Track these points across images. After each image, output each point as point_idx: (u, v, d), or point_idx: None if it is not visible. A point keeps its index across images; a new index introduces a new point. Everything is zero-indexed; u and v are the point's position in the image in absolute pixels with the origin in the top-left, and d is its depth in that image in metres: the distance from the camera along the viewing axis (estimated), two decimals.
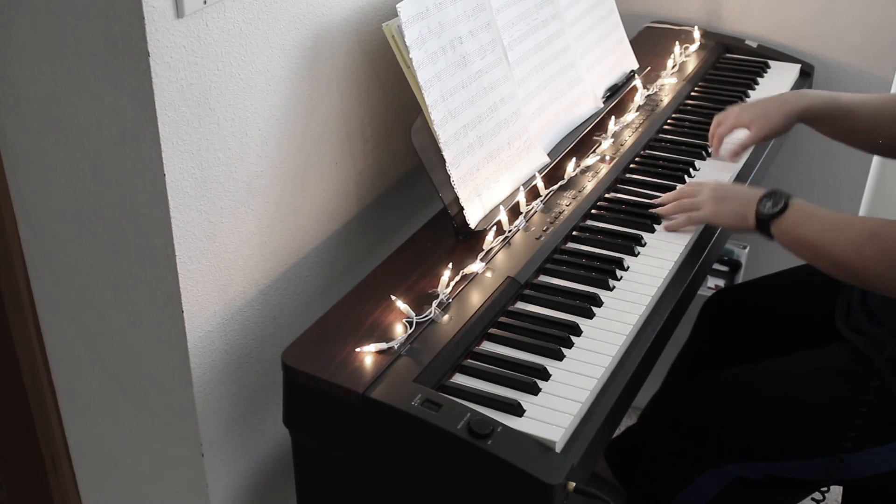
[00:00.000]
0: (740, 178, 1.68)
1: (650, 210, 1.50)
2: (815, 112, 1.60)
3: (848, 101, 1.60)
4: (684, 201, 1.47)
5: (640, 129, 1.76)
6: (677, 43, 2.04)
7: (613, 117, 1.75)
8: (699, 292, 1.66)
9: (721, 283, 2.12)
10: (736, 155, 1.65)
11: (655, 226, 1.50)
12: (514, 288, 1.33)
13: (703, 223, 1.47)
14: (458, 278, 1.32)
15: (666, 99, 1.87)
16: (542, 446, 1.08)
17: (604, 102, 1.78)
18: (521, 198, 1.48)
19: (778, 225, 1.35)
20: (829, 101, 1.60)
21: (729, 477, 1.46)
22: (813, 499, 1.53)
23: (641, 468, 1.67)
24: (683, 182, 1.62)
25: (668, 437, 1.56)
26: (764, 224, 1.36)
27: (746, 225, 1.39)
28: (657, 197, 1.55)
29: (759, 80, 1.99)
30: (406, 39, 1.34)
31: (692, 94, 1.92)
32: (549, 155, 1.60)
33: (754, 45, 2.09)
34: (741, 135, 1.65)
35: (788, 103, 1.62)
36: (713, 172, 1.65)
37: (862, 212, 2.15)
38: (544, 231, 1.45)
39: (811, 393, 1.42)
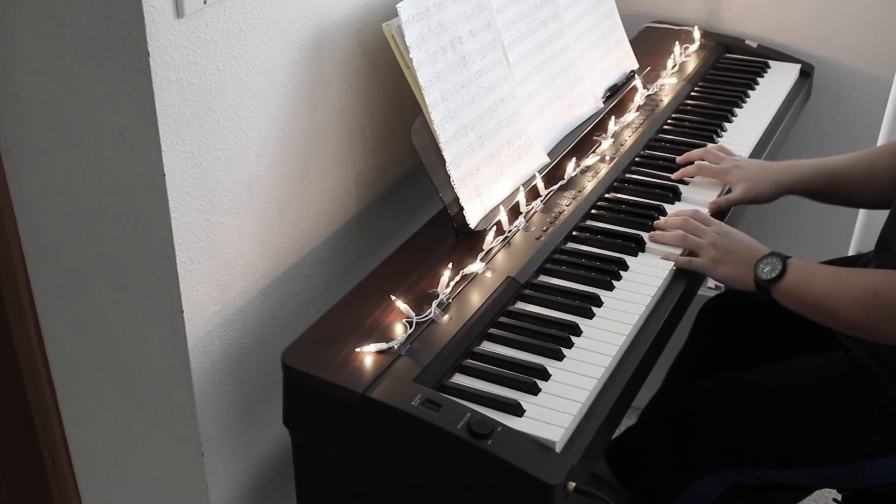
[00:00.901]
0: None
1: (650, 235, 1.45)
2: (803, 185, 1.57)
3: (835, 168, 1.56)
4: (689, 238, 1.43)
5: (640, 129, 1.76)
6: (677, 43, 2.04)
7: (613, 117, 1.75)
8: (699, 292, 1.65)
9: (721, 285, 2.12)
10: (719, 207, 1.56)
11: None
12: (514, 288, 1.33)
13: (698, 270, 1.42)
14: (458, 278, 1.32)
15: (666, 99, 1.87)
16: (542, 446, 1.08)
17: (604, 102, 1.78)
18: (521, 198, 1.48)
19: (778, 290, 1.34)
20: (818, 172, 1.56)
21: (728, 482, 1.46)
22: (834, 500, 1.52)
23: (641, 472, 1.67)
24: (684, 182, 1.61)
25: (666, 442, 1.56)
26: (763, 289, 1.36)
27: (746, 286, 1.39)
28: (657, 195, 1.55)
29: (759, 80, 1.99)
30: (406, 39, 1.34)
31: (692, 94, 1.92)
32: (549, 155, 1.60)
33: (754, 45, 2.09)
34: (725, 194, 1.59)
35: (778, 174, 1.57)
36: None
37: (861, 215, 2.15)
38: (544, 231, 1.45)
39: (812, 402, 1.41)
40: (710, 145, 1.66)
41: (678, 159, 1.65)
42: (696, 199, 1.58)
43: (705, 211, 1.52)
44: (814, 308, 1.33)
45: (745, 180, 1.56)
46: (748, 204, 1.60)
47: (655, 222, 1.49)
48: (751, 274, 1.37)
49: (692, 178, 1.63)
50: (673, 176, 1.62)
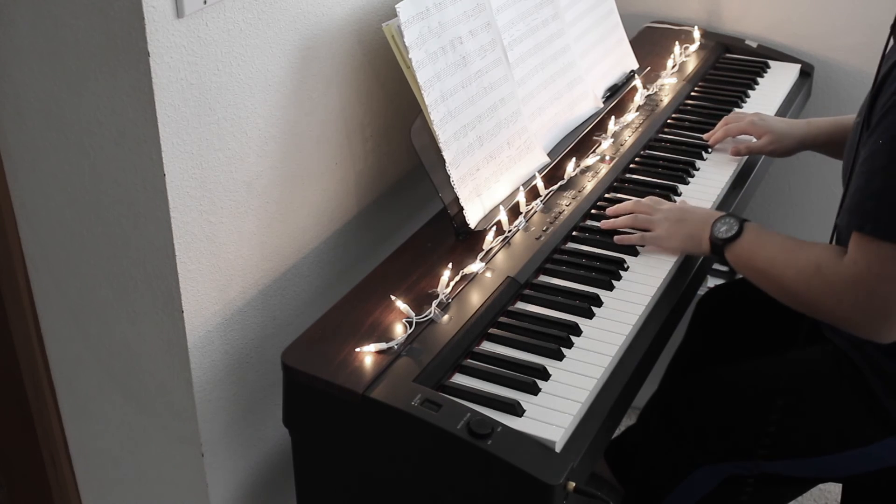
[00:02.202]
0: (741, 176, 1.68)
1: (601, 222, 1.47)
2: (826, 139, 1.65)
3: (852, 125, 1.60)
4: (640, 217, 1.44)
5: (640, 129, 1.76)
6: (677, 43, 2.04)
7: (613, 117, 1.75)
8: (698, 292, 1.66)
9: (721, 282, 2.12)
10: (739, 154, 1.68)
11: None
12: (514, 288, 1.33)
13: (655, 245, 1.43)
14: (457, 278, 1.32)
15: (666, 99, 1.87)
16: (542, 446, 1.08)
17: (604, 102, 1.78)
18: (521, 198, 1.49)
19: (731, 250, 1.35)
20: (838, 126, 1.64)
21: (723, 474, 1.47)
22: None
23: (637, 465, 1.68)
24: (684, 182, 1.62)
25: (661, 434, 1.56)
26: (717, 248, 1.36)
27: (700, 249, 1.39)
28: (657, 195, 1.55)
29: (759, 80, 1.99)
30: (406, 40, 1.34)
31: (692, 94, 1.92)
32: (549, 155, 1.60)
33: (754, 45, 2.09)
34: (750, 140, 1.69)
35: (799, 129, 1.67)
36: (716, 167, 1.66)
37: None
38: (544, 231, 1.45)
39: (802, 392, 1.42)
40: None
41: (709, 139, 1.72)
42: (695, 197, 1.58)
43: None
44: (762, 274, 1.33)
45: (769, 132, 1.66)
46: (770, 155, 1.69)
47: (607, 210, 1.49)
48: (706, 234, 1.37)
49: (697, 170, 1.63)
50: (705, 136, 1.72)
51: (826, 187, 2.13)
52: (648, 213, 1.44)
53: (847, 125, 1.61)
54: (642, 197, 1.56)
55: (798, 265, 1.28)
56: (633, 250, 1.43)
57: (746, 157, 1.72)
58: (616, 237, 1.44)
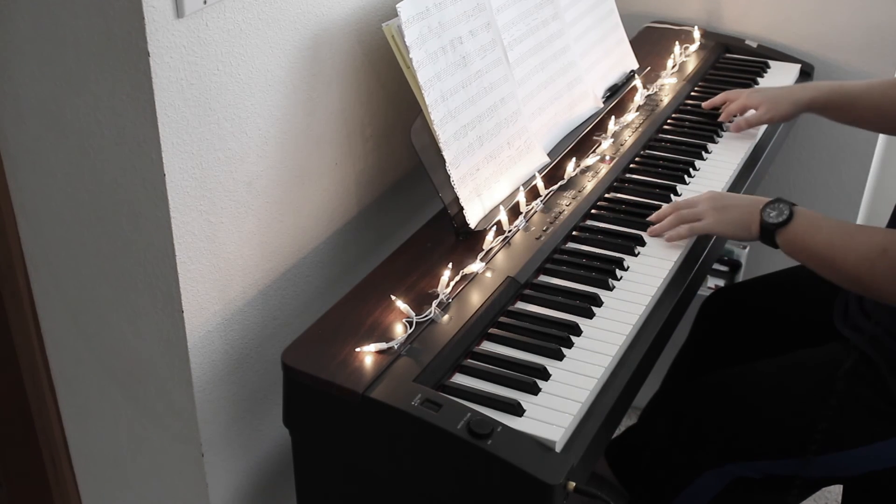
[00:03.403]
0: (741, 176, 1.68)
1: (647, 230, 1.47)
2: (821, 102, 1.69)
3: (851, 89, 1.67)
4: (683, 212, 1.45)
5: (640, 129, 1.76)
6: (677, 43, 2.04)
7: (613, 117, 1.75)
8: (699, 292, 1.66)
9: (721, 283, 2.12)
10: (740, 129, 1.75)
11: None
12: (514, 288, 1.33)
13: (706, 233, 1.44)
14: (458, 278, 1.32)
15: (666, 99, 1.87)
16: (542, 446, 1.08)
17: (604, 102, 1.78)
18: (521, 198, 1.48)
19: (784, 234, 1.34)
20: (834, 91, 1.68)
21: (729, 476, 1.47)
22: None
23: (642, 469, 1.67)
24: (684, 182, 1.62)
25: (667, 438, 1.56)
26: (769, 233, 1.35)
27: (750, 234, 1.39)
28: (657, 195, 1.55)
29: (759, 80, 1.99)
30: (406, 39, 1.34)
31: (692, 94, 1.92)
32: (549, 155, 1.60)
33: (754, 45, 2.09)
34: (749, 113, 1.75)
35: (796, 93, 1.72)
36: (716, 167, 1.67)
37: (862, 210, 2.15)
38: (544, 231, 1.45)
39: (810, 392, 1.42)
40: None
41: (707, 105, 1.81)
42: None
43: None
44: (818, 258, 1.33)
45: (765, 101, 1.71)
46: (769, 122, 1.74)
47: (649, 218, 1.49)
48: (756, 219, 1.37)
49: (697, 170, 1.63)
50: (703, 105, 1.80)
51: (826, 186, 2.13)
52: (690, 205, 1.45)
53: (848, 90, 1.67)
54: (642, 197, 1.56)
55: (859, 249, 1.28)
56: (632, 250, 1.43)
57: (747, 156, 1.72)
58: (666, 235, 1.44)
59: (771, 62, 2.05)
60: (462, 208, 1.39)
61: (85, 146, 1.15)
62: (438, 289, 1.28)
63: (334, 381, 1.14)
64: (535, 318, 1.29)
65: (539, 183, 1.53)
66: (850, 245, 1.29)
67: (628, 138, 1.72)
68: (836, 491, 2.07)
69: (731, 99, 1.78)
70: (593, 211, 1.53)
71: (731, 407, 1.47)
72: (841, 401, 1.37)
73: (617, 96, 1.81)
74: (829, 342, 1.48)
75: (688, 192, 1.60)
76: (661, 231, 1.45)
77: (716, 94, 1.91)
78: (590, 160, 1.64)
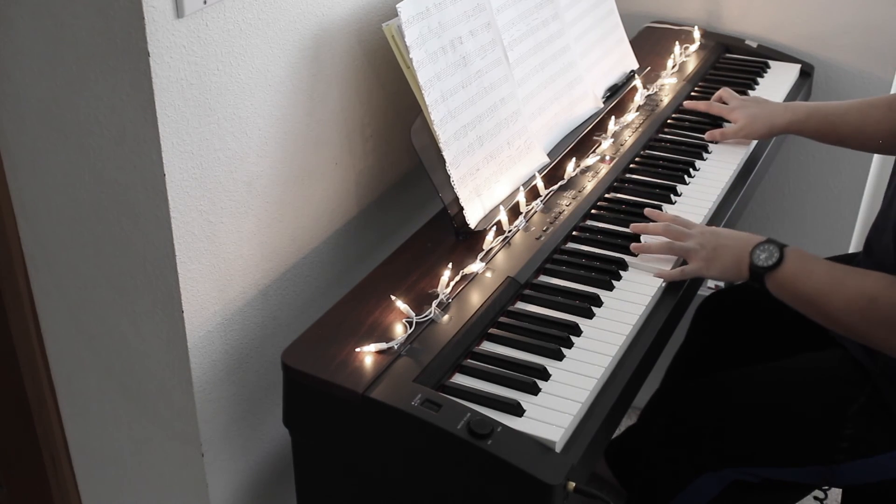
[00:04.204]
0: (741, 176, 1.68)
1: (632, 246, 1.42)
2: (799, 125, 1.68)
3: (830, 112, 1.65)
4: (675, 245, 1.40)
5: (640, 129, 1.76)
6: (677, 43, 2.04)
7: (613, 117, 1.75)
8: (699, 292, 1.65)
9: (721, 283, 2.12)
10: (714, 139, 1.74)
11: None
12: (514, 288, 1.33)
13: (695, 276, 1.40)
14: (458, 278, 1.32)
15: (666, 99, 1.87)
16: (542, 446, 1.08)
17: (604, 102, 1.78)
18: (521, 198, 1.48)
19: (773, 279, 1.31)
20: (812, 114, 1.66)
21: (727, 480, 1.46)
22: (815, 497, 1.53)
23: (640, 471, 1.67)
24: (684, 182, 1.62)
25: (665, 440, 1.56)
26: (758, 277, 1.33)
27: (740, 276, 1.36)
28: (657, 195, 1.55)
29: (759, 80, 1.99)
30: (406, 39, 1.34)
31: (692, 94, 1.92)
32: (549, 155, 1.60)
33: (754, 45, 2.09)
34: (726, 126, 1.75)
35: (775, 114, 1.69)
36: (716, 167, 1.66)
37: (862, 210, 2.15)
38: (544, 231, 1.45)
39: (809, 398, 1.41)
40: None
41: (689, 105, 1.82)
42: (695, 197, 1.58)
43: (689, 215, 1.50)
44: (807, 303, 1.31)
45: (744, 117, 1.71)
46: (743, 139, 1.73)
47: (633, 226, 1.45)
48: (745, 262, 1.33)
49: (697, 170, 1.63)
50: (685, 104, 1.82)
51: (826, 186, 2.13)
52: (682, 239, 1.41)
53: (826, 113, 1.65)
54: (642, 197, 1.56)
55: (849, 297, 1.25)
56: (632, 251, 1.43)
57: (748, 156, 1.72)
58: (657, 272, 1.39)
59: (771, 62, 2.05)
60: (462, 208, 1.39)
61: (85, 146, 1.15)
62: (438, 289, 1.28)
63: (334, 381, 1.14)
64: (535, 319, 1.29)
65: (539, 183, 1.53)
66: (840, 293, 1.26)
67: (628, 138, 1.72)
68: (836, 491, 2.07)
69: (724, 99, 1.79)
70: (593, 211, 1.53)
71: (729, 412, 1.46)
72: (866, 411, 1.36)
73: (617, 96, 1.81)
74: (827, 346, 1.48)
75: (688, 192, 1.60)
76: (647, 252, 1.42)
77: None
78: (590, 160, 1.64)
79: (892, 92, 2.02)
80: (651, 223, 1.45)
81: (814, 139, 1.70)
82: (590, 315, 1.30)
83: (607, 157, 1.66)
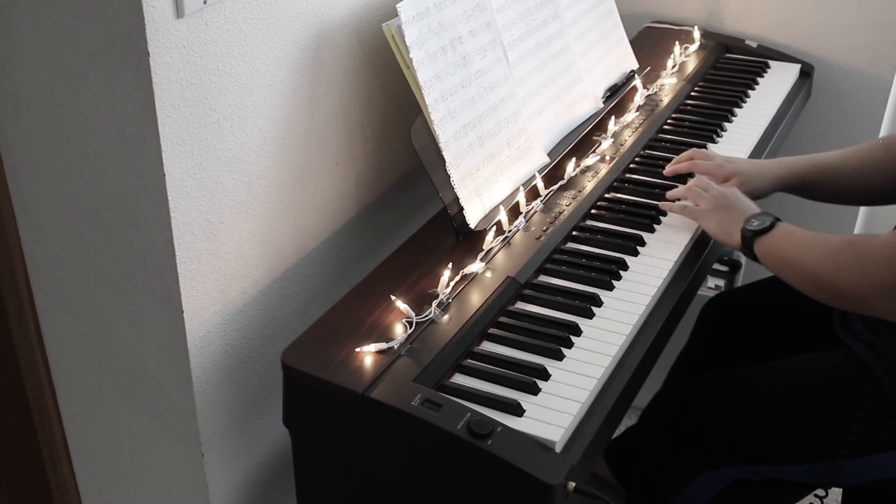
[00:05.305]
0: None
1: (665, 170, 1.56)
2: (798, 180, 1.55)
3: (827, 161, 1.55)
4: (693, 189, 1.48)
5: (640, 129, 1.76)
6: (677, 43, 2.04)
7: (613, 117, 1.75)
8: (699, 292, 1.65)
9: (721, 282, 2.12)
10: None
11: (655, 226, 1.50)
12: (514, 288, 1.33)
13: (692, 218, 1.46)
14: (458, 278, 1.32)
15: (666, 99, 1.87)
16: (542, 446, 1.08)
17: (604, 102, 1.78)
18: (521, 198, 1.48)
19: (760, 243, 1.34)
20: (810, 166, 1.54)
21: (727, 478, 1.46)
22: (816, 494, 1.53)
23: (640, 468, 1.67)
24: (684, 182, 1.61)
25: (666, 438, 1.56)
26: (747, 241, 1.35)
27: (730, 240, 1.38)
28: (657, 195, 1.55)
29: (759, 80, 1.99)
30: (406, 39, 1.34)
31: (692, 94, 1.92)
32: (549, 155, 1.60)
33: (754, 45, 2.09)
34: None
35: (770, 169, 1.55)
36: (725, 152, 1.68)
37: (860, 217, 2.15)
38: (544, 231, 1.45)
39: (810, 398, 1.41)
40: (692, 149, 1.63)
41: (666, 171, 1.61)
42: None
43: None
44: (787, 264, 1.32)
45: (737, 174, 1.53)
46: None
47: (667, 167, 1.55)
48: (739, 226, 1.37)
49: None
50: (665, 171, 1.61)
51: None
52: (704, 188, 1.47)
53: (822, 164, 1.54)
54: (643, 197, 1.56)
55: (826, 247, 1.27)
56: (633, 250, 1.43)
57: (748, 157, 1.72)
58: (661, 204, 1.51)
59: (771, 62, 2.05)
60: (462, 208, 1.39)
61: (85, 146, 1.15)
62: (438, 289, 1.28)
63: (334, 381, 1.14)
64: (534, 319, 1.29)
65: (539, 183, 1.53)
66: (817, 247, 1.28)
67: (628, 138, 1.72)
68: (836, 491, 2.07)
69: (699, 157, 1.59)
70: (593, 211, 1.53)
71: (730, 410, 1.47)
72: (868, 411, 1.36)
73: (617, 96, 1.81)
74: (830, 346, 1.48)
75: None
76: (674, 196, 1.50)
77: (715, 94, 1.92)
78: (590, 160, 1.64)
79: (891, 95, 2.02)
80: (681, 156, 1.57)
81: (812, 195, 1.59)
82: (590, 315, 1.30)
83: (607, 157, 1.66)
